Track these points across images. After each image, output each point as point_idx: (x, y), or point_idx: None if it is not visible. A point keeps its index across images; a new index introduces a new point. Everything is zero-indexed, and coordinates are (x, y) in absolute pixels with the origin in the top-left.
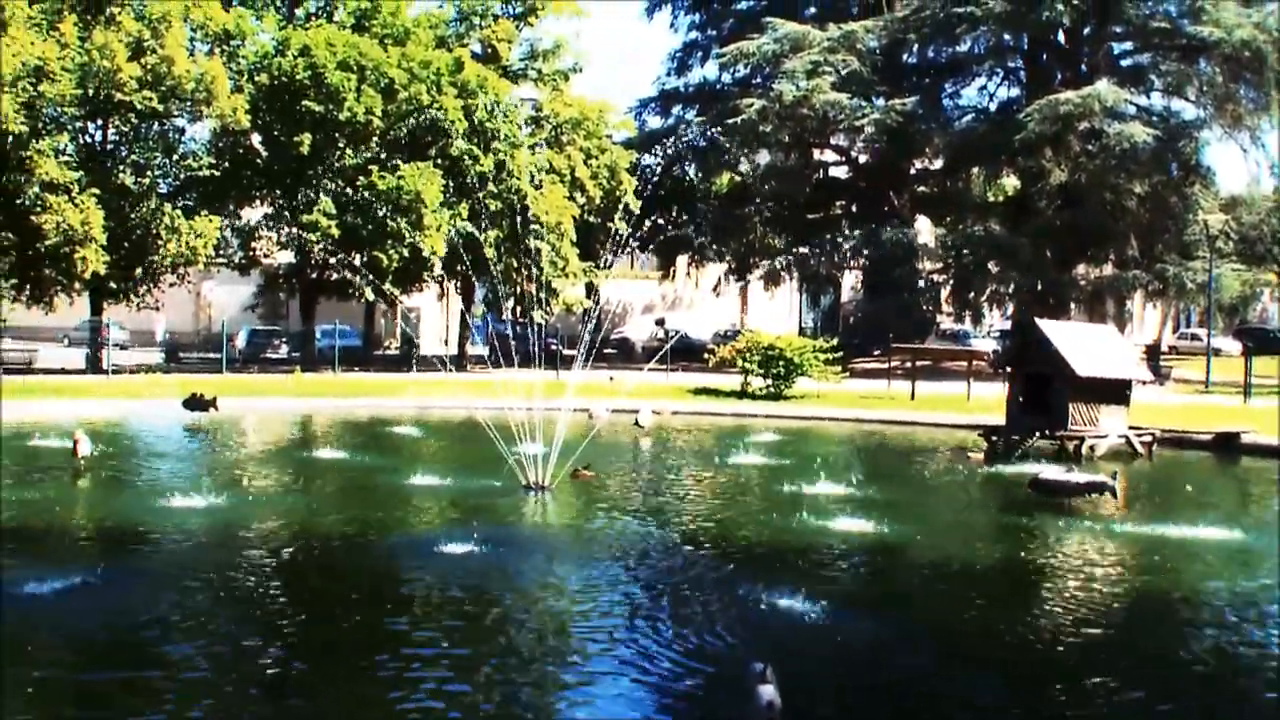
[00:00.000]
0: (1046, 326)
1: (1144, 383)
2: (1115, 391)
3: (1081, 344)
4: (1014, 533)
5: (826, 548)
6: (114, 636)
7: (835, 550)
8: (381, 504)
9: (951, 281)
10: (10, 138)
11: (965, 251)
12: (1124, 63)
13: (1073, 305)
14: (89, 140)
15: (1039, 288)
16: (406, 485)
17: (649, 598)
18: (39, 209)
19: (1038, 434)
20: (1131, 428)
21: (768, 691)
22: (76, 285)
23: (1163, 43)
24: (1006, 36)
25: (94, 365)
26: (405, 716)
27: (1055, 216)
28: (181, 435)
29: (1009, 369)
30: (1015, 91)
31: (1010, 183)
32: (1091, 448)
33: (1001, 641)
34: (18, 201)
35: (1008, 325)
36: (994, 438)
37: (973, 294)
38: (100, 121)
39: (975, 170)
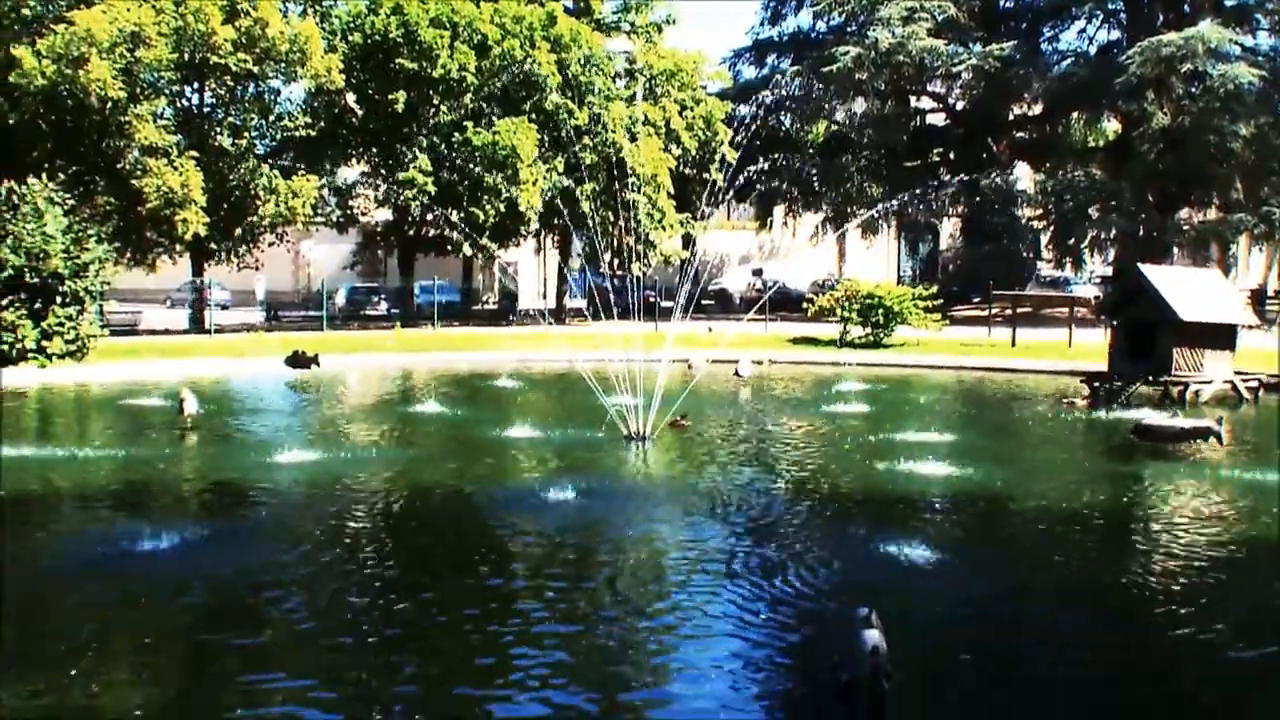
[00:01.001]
0: (1150, 271)
1: (1249, 327)
2: (1220, 336)
3: (1185, 289)
4: (1118, 479)
5: (929, 494)
6: (224, 592)
7: (938, 497)
8: (484, 456)
9: (1051, 228)
10: (109, 103)
11: (1065, 197)
12: (1228, 2)
13: (1176, 250)
14: (186, 104)
15: (1141, 233)
16: (508, 438)
17: (751, 545)
18: (139, 173)
19: (1141, 380)
20: (1236, 373)
21: (872, 636)
22: (178, 247)
23: None
24: None
25: (197, 325)
26: (513, 668)
27: (1157, 160)
28: (285, 392)
29: (1111, 315)
30: (1115, 34)
31: (1111, 127)
32: (1196, 393)
33: (1104, 587)
34: (118, 166)
35: (1109, 271)
36: (1096, 384)
37: (1073, 240)
38: (197, 85)
39: (1075, 115)
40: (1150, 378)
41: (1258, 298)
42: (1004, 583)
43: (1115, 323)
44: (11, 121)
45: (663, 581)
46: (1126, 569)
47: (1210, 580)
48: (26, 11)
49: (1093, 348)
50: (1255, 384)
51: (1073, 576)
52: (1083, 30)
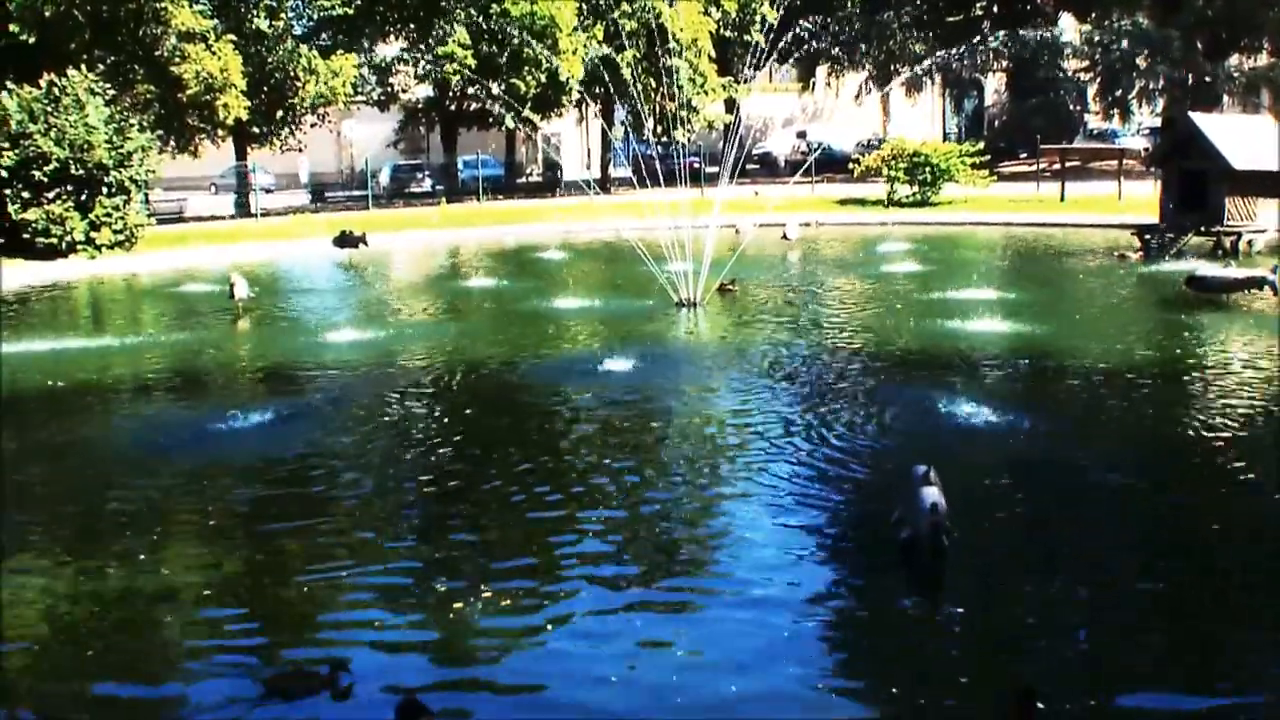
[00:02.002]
0: (1200, 120)
1: None
2: (1273, 184)
3: (1237, 137)
4: (1172, 331)
5: (984, 352)
6: (284, 474)
7: (992, 354)
8: (536, 328)
9: (1098, 79)
10: None
11: (1112, 47)
12: None
13: (1226, 98)
14: None
15: (1190, 81)
16: (559, 309)
17: (807, 407)
18: (178, 59)
19: (1193, 231)
20: None
21: (931, 493)
22: (219, 132)
23: None
24: None
25: (243, 209)
26: (574, 530)
27: (1206, 6)
28: (334, 272)
29: (1161, 166)
30: None
31: None
32: (1249, 242)
33: (1162, 440)
34: (156, 54)
35: (1157, 122)
36: (1148, 236)
37: (1120, 91)
38: None
39: None
40: (1202, 228)
41: None
42: (1061, 438)
43: (1165, 173)
44: (48, 14)
45: (720, 445)
46: (1184, 421)
47: (1265, 429)
48: None
49: (1143, 200)
50: None
51: (1130, 431)
52: None
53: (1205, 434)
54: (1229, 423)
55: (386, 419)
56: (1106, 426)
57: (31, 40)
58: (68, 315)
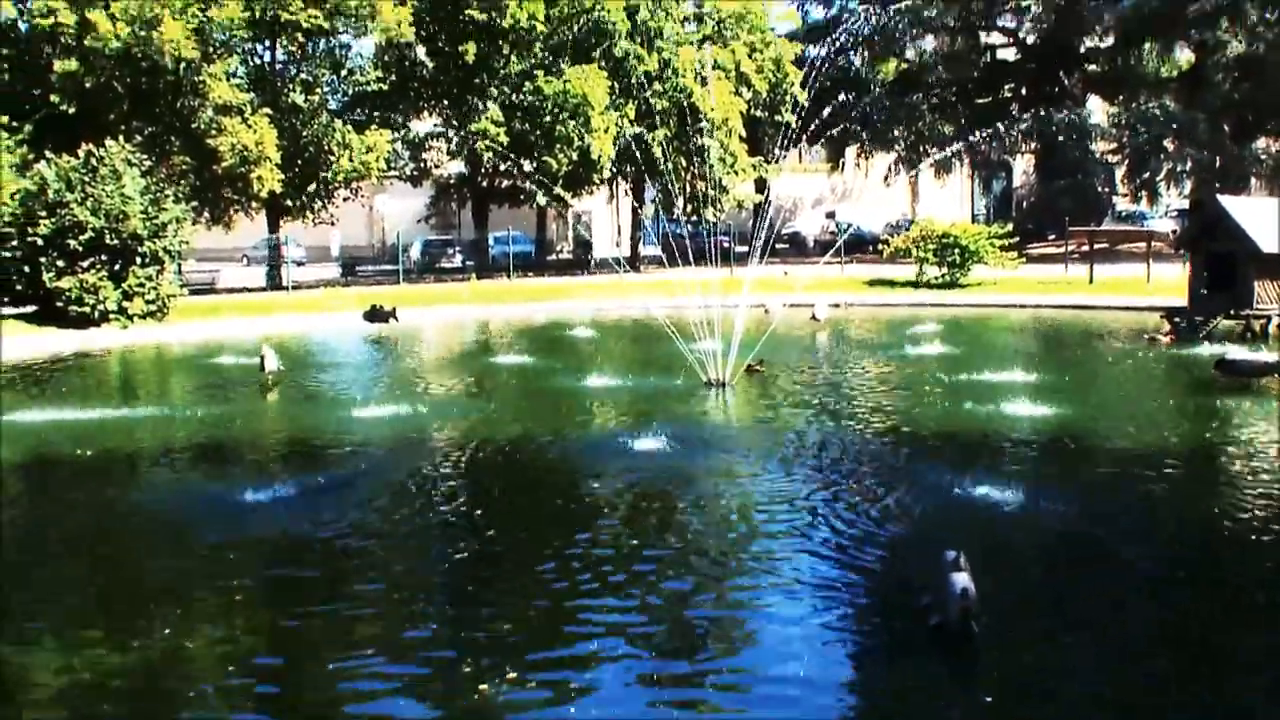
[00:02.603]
0: (1228, 203)
1: None
2: None
3: (1265, 220)
4: (1202, 415)
5: (1013, 434)
6: (309, 549)
7: (1022, 437)
8: (565, 405)
9: (1126, 161)
10: (183, 64)
11: (1140, 130)
12: None
13: (1253, 181)
14: (259, 61)
15: (1217, 164)
16: (588, 386)
17: (837, 488)
18: (214, 131)
19: (1222, 314)
20: None
21: (961, 579)
22: (253, 204)
23: None
24: None
25: (274, 282)
26: (598, 611)
27: (1233, 89)
28: (364, 346)
29: (1189, 248)
30: None
31: (1184, 57)
32: (1279, 326)
33: (1192, 525)
34: (193, 126)
35: (1185, 204)
36: (1176, 319)
37: (1148, 173)
38: (268, 42)
39: (1147, 46)
40: (1231, 311)
41: None
42: (1092, 522)
43: (1194, 256)
44: (88, 85)
45: (749, 525)
46: (1214, 506)
47: None
48: None
49: (1171, 282)
50: None
51: (1160, 515)
52: None
53: (1237, 519)
54: (1261, 508)
55: (414, 496)
56: (1138, 510)
57: (71, 111)
58: (98, 384)
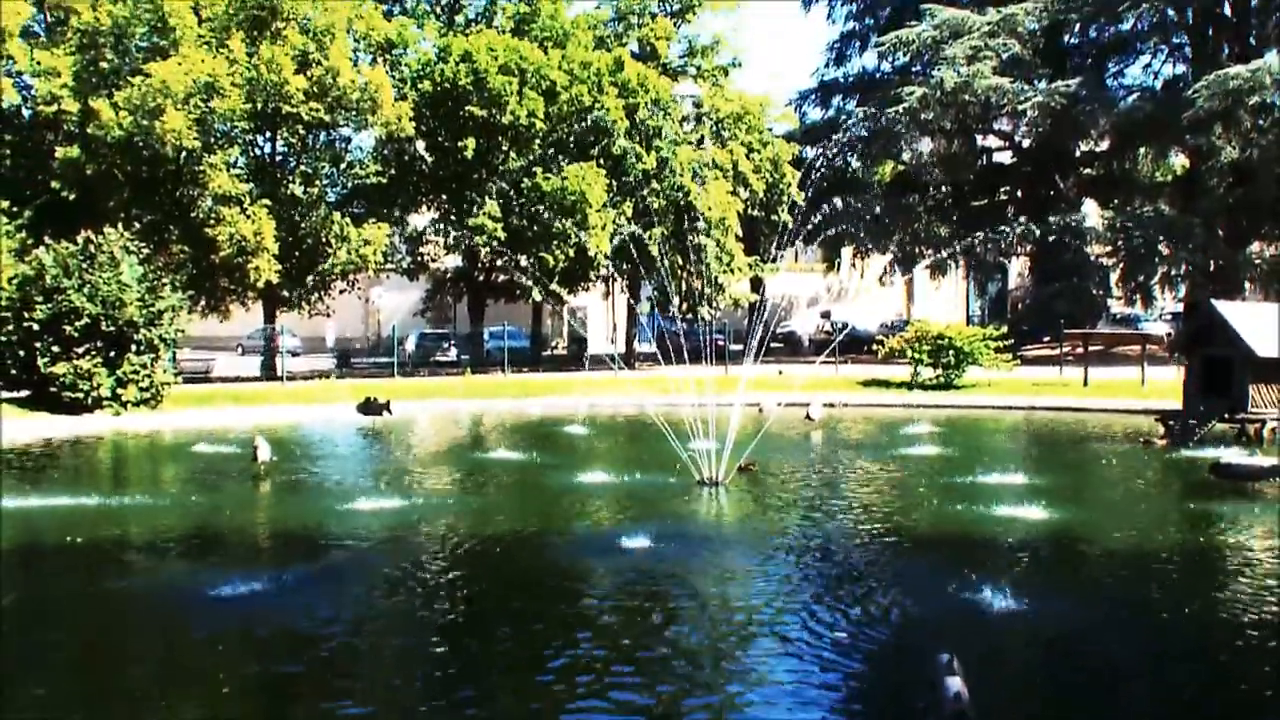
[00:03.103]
0: (1224, 307)
1: None
2: None
3: (1261, 324)
4: (1198, 519)
5: (1007, 536)
6: (298, 641)
7: (1017, 538)
8: (558, 501)
9: (1121, 264)
10: (184, 153)
11: (1135, 233)
12: None
13: (1248, 284)
14: (259, 152)
15: (1212, 268)
16: (582, 483)
17: (830, 590)
18: (213, 221)
19: (1217, 418)
20: None
21: (955, 683)
22: (250, 294)
23: None
24: (1170, 12)
25: (269, 372)
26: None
27: (1227, 194)
28: (358, 439)
29: (1185, 352)
30: (1181, 68)
31: (1179, 162)
32: (1274, 430)
33: (1188, 629)
34: (192, 215)
35: (1180, 307)
36: (1172, 422)
37: (1143, 276)
38: (269, 134)
39: (1142, 150)
40: (1226, 415)
41: None
42: (1086, 626)
43: (1189, 360)
44: (89, 172)
45: (742, 630)
46: (1211, 610)
47: None
48: (105, 65)
49: (1166, 385)
50: None
51: (1156, 619)
52: (1148, 65)
53: (1234, 624)
54: (1258, 613)
55: (404, 591)
56: (1132, 613)
57: (72, 197)
58: (90, 470)
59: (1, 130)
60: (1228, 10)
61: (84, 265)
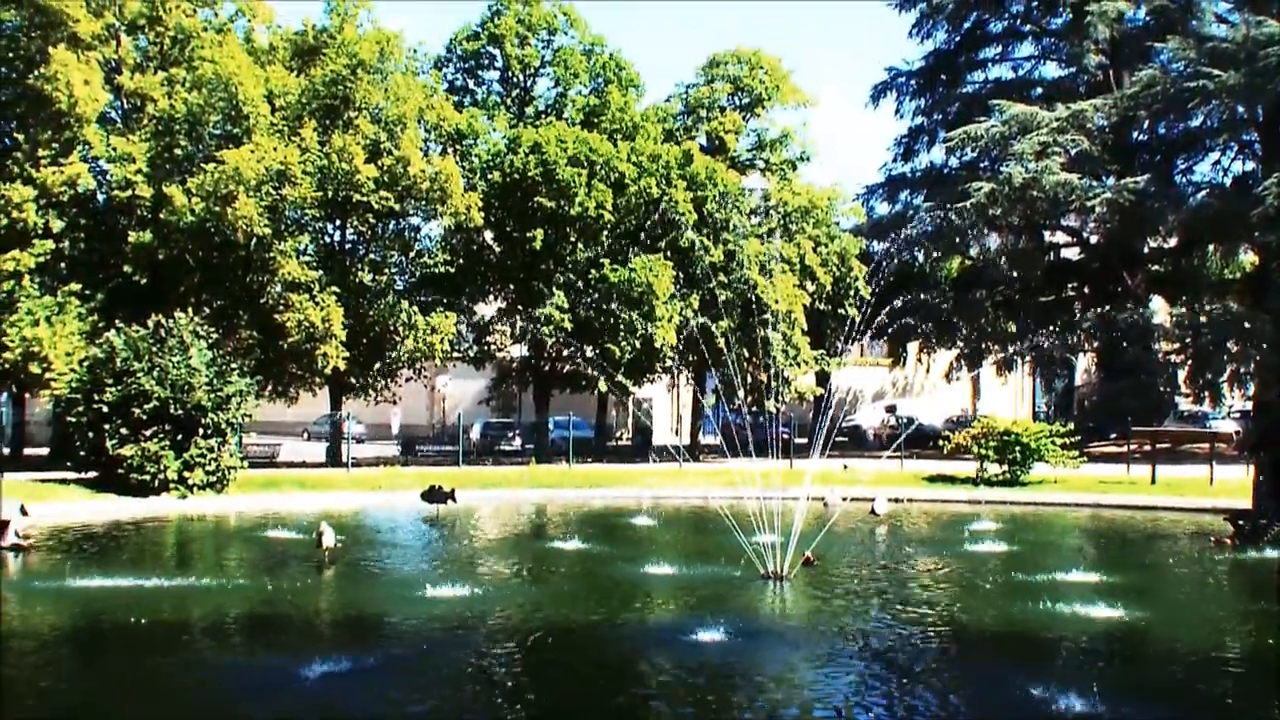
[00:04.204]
0: None
1: None
2: None
3: None
4: (1269, 620)
5: (1075, 636)
6: None
7: (1084, 639)
8: (623, 593)
9: (1189, 362)
10: (255, 240)
11: (1203, 331)
12: None
13: None
14: (329, 240)
15: None
16: (645, 574)
17: (892, 690)
18: (282, 308)
19: None
20: None
21: None
22: (317, 380)
23: None
24: (1240, 109)
25: (334, 458)
26: None
27: None
28: (421, 526)
29: (1255, 450)
30: (1251, 165)
31: (1248, 259)
32: None
33: None
34: (261, 301)
35: (1248, 405)
36: (1240, 522)
37: (1211, 374)
38: (339, 221)
39: (1211, 247)
40: None
41: None
42: None
43: (1258, 458)
44: (161, 257)
45: None
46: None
47: None
48: (178, 151)
49: (1235, 484)
50: None
51: None
52: (1217, 162)
53: None
54: None
55: (467, 681)
56: (1194, 717)
57: (143, 281)
58: (155, 552)
59: (77, 215)
60: None
61: (154, 349)
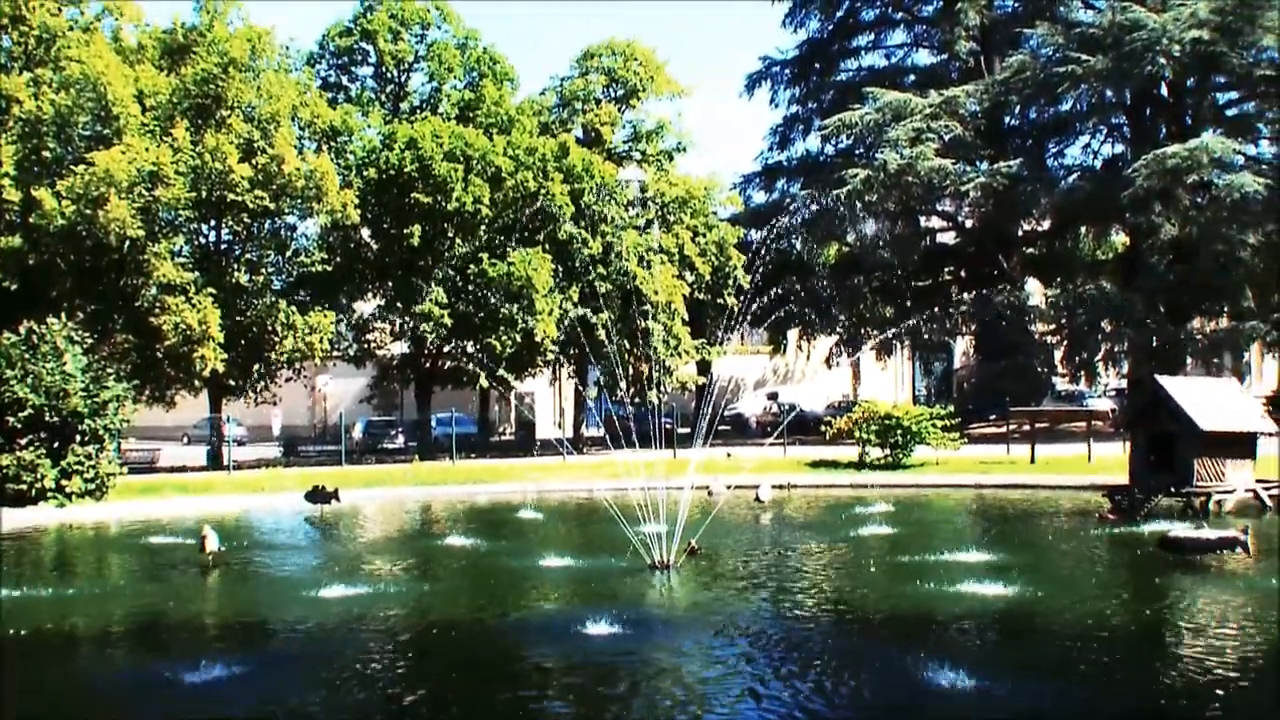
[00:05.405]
0: (1168, 383)
1: (1269, 435)
2: (1240, 445)
3: (1204, 399)
4: (1148, 593)
5: (959, 614)
6: None
7: (968, 616)
8: (509, 587)
9: (1065, 342)
10: (128, 242)
11: (1077, 311)
12: (1229, 113)
13: (1189, 360)
14: (203, 241)
15: (1154, 344)
16: (532, 567)
17: (779, 673)
18: (158, 310)
19: (1163, 492)
20: (1258, 481)
21: None
22: (196, 383)
23: (1268, 90)
24: (1109, 93)
25: (215, 462)
26: None
27: (1167, 271)
28: (305, 527)
29: (1130, 428)
30: (1120, 148)
31: (1119, 240)
32: (1219, 503)
33: (1143, 705)
34: (137, 304)
35: (1123, 384)
36: (1118, 497)
37: (1087, 354)
38: (214, 222)
39: (1083, 229)
40: (1172, 489)
41: (1274, 405)
42: (1040, 703)
43: (1134, 435)
44: (31, 262)
45: (692, 713)
46: (1165, 685)
47: (1248, 693)
48: (47, 154)
49: (1112, 461)
50: (1277, 491)
51: (1110, 694)
52: (1087, 145)
53: (1184, 697)
54: (1207, 684)
55: (353, 679)
56: (1083, 689)
57: (14, 287)
58: (34, 563)
59: None
60: (1164, 91)
61: (27, 355)
